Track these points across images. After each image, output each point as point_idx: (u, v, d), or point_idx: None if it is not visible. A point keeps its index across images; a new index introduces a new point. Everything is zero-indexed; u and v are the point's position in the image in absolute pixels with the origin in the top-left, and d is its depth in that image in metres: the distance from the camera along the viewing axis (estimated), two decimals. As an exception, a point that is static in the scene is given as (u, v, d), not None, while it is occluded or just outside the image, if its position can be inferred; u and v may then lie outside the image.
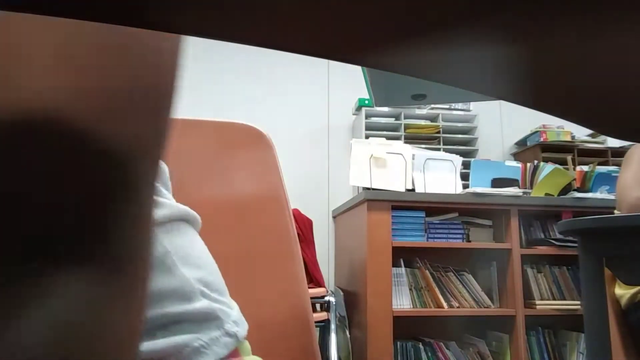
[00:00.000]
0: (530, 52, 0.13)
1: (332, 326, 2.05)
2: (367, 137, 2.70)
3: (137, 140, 0.21)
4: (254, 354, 0.44)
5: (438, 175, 2.42)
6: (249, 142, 0.68)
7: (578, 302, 2.24)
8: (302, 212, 2.16)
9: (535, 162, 2.61)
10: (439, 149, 2.75)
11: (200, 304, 0.37)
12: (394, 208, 2.20)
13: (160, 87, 0.23)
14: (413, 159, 2.40)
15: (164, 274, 0.36)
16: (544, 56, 0.13)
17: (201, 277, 0.39)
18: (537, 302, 2.25)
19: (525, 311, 2.20)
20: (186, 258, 0.39)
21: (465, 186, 2.47)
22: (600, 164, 2.70)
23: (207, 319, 0.38)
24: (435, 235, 2.30)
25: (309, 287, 1.99)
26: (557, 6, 0.11)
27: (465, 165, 2.58)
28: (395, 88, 0.30)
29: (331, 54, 0.13)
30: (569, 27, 0.12)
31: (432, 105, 2.87)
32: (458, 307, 2.25)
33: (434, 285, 2.27)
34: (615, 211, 1.38)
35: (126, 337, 0.21)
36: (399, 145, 2.47)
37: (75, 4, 0.11)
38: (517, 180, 2.46)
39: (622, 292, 1.31)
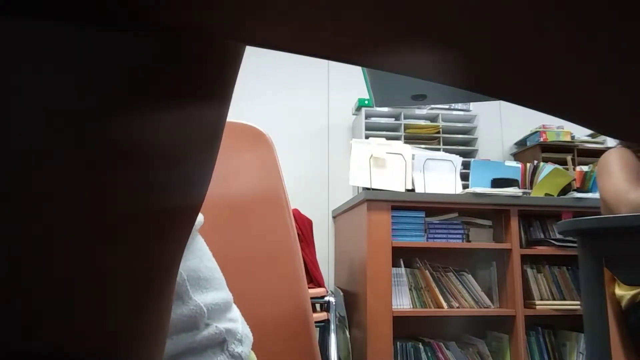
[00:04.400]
0: (530, 51, 0.13)
1: (332, 326, 2.05)
2: (367, 137, 2.71)
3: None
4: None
5: (438, 175, 2.42)
6: (249, 141, 0.68)
7: (578, 302, 2.24)
8: (302, 212, 2.16)
9: (535, 162, 2.61)
10: (438, 149, 2.75)
11: (208, 331, 0.37)
12: (394, 208, 2.20)
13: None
14: (413, 159, 2.40)
15: (177, 304, 0.36)
16: (543, 55, 0.13)
17: (211, 300, 0.39)
18: (537, 302, 2.25)
19: (525, 311, 2.20)
20: (197, 281, 0.38)
21: (465, 186, 2.47)
22: (600, 164, 2.70)
23: (212, 344, 0.38)
24: (435, 236, 2.30)
25: (309, 287, 1.99)
26: (554, 4, 0.11)
27: (465, 165, 2.58)
28: (395, 88, 0.30)
29: (331, 54, 0.13)
30: (567, 24, 0.12)
31: (432, 105, 2.87)
32: (458, 307, 2.25)
33: (433, 285, 2.27)
34: None
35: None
36: (399, 145, 2.47)
37: (74, 7, 0.11)
38: (517, 180, 2.46)
39: (623, 292, 1.31)
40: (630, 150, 1.44)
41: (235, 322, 0.42)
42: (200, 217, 0.43)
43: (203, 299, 0.38)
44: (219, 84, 0.21)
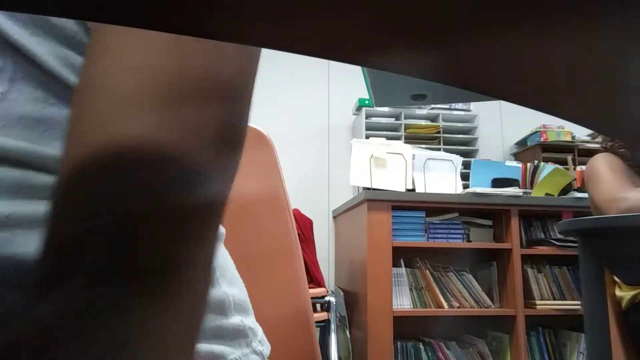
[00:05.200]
0: (530, 50, 0.13)
1: (333, 326, 2.05)
2: (367, 137, 2.70)
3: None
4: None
5: (438, 175, 2.42)
6: (249, 142, 0.68)
7: (578, 302, 2.24)
8: (302, 212, 2.16)
9: (536, 162, 2.61)
10: (439, 149, 2.75)
11: (234, 319, 0.39)
12: (394, 208, 2.20)
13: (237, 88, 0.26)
14: (413, 159, 2.40)
15: (210, 287, 0.38)
16: (543, 55, 0.13)
17: (235, 294, 0.40)
18: (537, 302, 2.25)
19: (526, 311, 2.20)
20: (224, 275, 0.40)
21: (465, 186, 2.47)
22: (600, 164, 2.69)
23: (238, 336, 0.39)
24: (436, 235, 2.30)
25: (309, 287, 1.99)
26: (555, 4, 0.11)
27: (466, 165, 2.58)
28: (395, 88, 0.30)
29: (331, 54, 0.13)
30: (566, 24, 0.12)
31: (432, 105, 2.87)
32: (458, 307, 2.25)
33: (434, 285, 2.27)
34: None
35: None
36: (399, 145, 2.47)
37: (76, 4, 0.11)
38: (517, 180, 2.46)
39: (622, 293, 1.31)
40: (615, 154, 1.46)
41: (256, 325, 0.44)
42: (221, 229, 0.44)
43: (230, 290, 0.40)
44: (236, 85, 0.24)
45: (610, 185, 1.36)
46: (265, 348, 0.42)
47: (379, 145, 2.40)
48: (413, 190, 2.34)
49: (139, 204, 0.21)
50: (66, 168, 0.22)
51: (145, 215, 0.21)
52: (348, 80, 3.00)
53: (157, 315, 0.21)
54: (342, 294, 2.48)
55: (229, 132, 0.26)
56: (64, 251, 0.21)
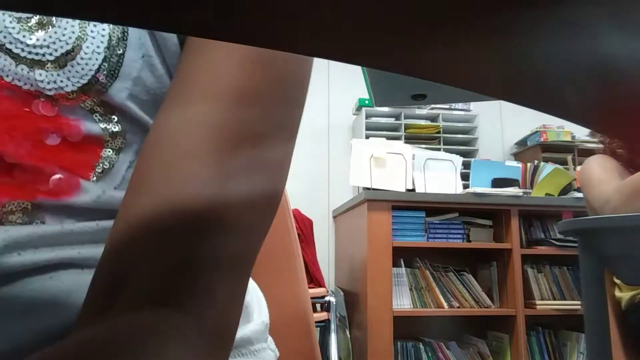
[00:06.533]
0: (529, 51, 0.13)
1: (333, 326, 2.05)
2: (367, 137, 2.70)
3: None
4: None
5: (438, 175, 2.42)
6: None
7: (578, 302, 2.24)
8: (302, 212, 2.16)
9: (536, 162, 2.61)
10: (439, 149, 2.75)
11: (254, 324, 0.43)
12: (394, 208, 2.20)
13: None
14: (413, 159, 2.40)
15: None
16: (543, 55, 0.13)
17: (253, 298, 0.45)
18: (537, 302, 2.25)
19: (526, 311, 2.20)
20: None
21: (465, 186, 2.47)
22: (600, 164, 2.69)
23: (259, 331, 0.43)
24: (436, 235, 2.30)
25: (309, 287, 1.99)
26: (555, 5, 0.11)
27: (466, 165, 2.58)
28: (395, 88, 0.30)
29: (331, 54, 0.13)
30: (565, 25, 0.12)
31: (432, 105, 2.87)
32: (458, 307, 2.25)
33: (434, 285, 2.27)
34: None
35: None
36: (399, 145, 2.47)
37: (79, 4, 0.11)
38: (517, 180, 2.46)
39: (622, 294, 1.31)
40: (613, 155, 1.46)
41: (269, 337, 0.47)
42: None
43: (249, 297, 0.44)
44: None
45: (600, 189, 1.37)
46: (277, 351, 0.45)
47: (379, 145, 2.40)
48: (413, 190, 2.34)
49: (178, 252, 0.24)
50: (122, 215, 0.25)
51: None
52: (348, 80, 3.00)
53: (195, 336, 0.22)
54: (342, 294, 2.48)
55: (274, 199, 0.30)
56: (108, 280, 0.24)
